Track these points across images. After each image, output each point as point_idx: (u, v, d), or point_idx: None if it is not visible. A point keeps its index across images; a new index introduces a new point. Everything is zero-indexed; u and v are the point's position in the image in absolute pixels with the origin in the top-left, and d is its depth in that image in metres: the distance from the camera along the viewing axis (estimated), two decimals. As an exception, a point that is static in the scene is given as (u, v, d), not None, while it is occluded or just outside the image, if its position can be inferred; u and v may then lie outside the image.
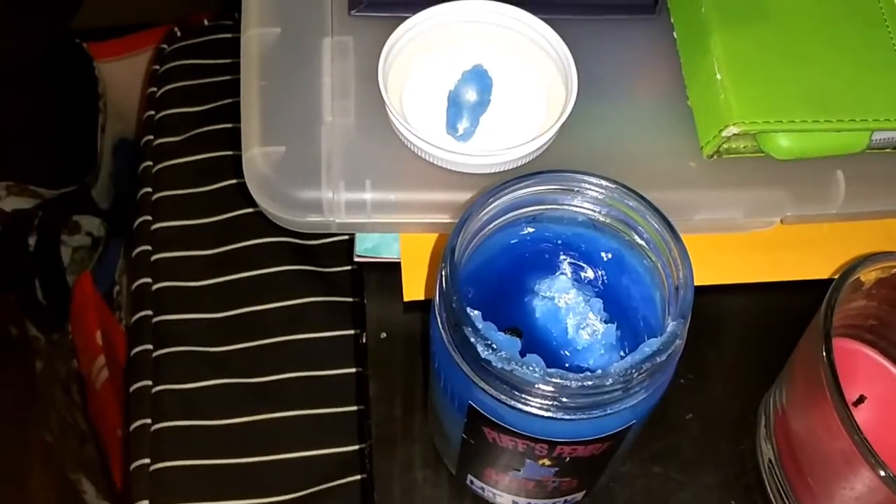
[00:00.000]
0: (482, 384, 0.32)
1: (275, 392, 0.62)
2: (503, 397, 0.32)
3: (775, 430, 0.42)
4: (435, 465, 0.44)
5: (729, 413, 0.46)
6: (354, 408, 0.62)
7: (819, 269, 0.48)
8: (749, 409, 0.46)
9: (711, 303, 0.46)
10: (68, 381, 0.93)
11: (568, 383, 0.30)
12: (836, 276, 0.38)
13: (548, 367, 0.30)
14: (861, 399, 0.43)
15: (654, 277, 0.36)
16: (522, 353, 0.31)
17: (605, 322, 0.36)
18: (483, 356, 0.30)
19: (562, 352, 0.35)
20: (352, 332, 0.65)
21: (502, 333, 0.32)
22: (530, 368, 0.30)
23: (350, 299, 0.66)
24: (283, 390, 0.62)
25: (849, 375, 0.41)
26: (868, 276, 0.39)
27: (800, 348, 0.41)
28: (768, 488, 0.44)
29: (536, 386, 0.30)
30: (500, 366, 0.30)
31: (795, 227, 0.48)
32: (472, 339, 0.31)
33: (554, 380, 0.30)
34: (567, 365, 0.35)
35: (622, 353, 0.35)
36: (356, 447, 0.61)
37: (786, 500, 0.42)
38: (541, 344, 0.35)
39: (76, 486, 0.89)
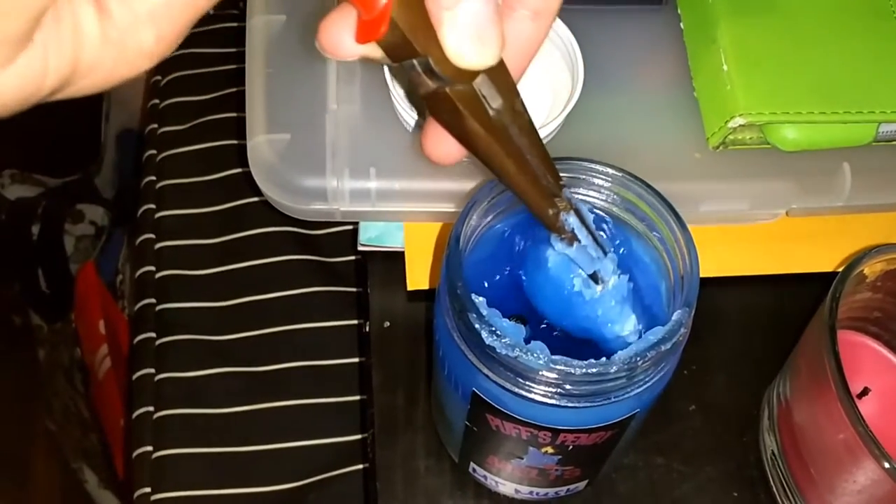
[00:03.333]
0: (486, 371, 0.32)
1: (278, 381, 0.62)
2: (507, 384, 0.32)
3: (779, 422, 0.42)
4: (437, 453, 0.44)
5: (732, 405, 0.46)
6: (357, 397, 0.62)
7: (824, 261, 0.48)
8: (752, 401, 0.46)
9: (716, 294, 0.46)
10: (71, 370, 0.93)
11: (572, 370, 0.30)
12: (841, 269, 0.38)
13: (555, 319, 0.29)
14: (865, 391, 0.42)
15: (659, 267, 0.36)
16: (527, 341, 0.31)
17: (619, 275, 0.34)
18: (487, 342, 0.30)
19: (571, 302, 0.34)
20: (355, 321, 0.64)
21: (507, 320, 0.32)
22: (535, 355, 0.30)
23: (354, 289, 0.66)
24: (286, 379, 0.62)
25: (853, 368, 0.41)
26: (873, 268, 0.39)
27: (804, 340, 0.41)
28: (771, 481, 0.43)
29: (540, 373, 0.30)
30: (504, 352, 0.30)
31: (801, 219, 0.48)
32: (477, 326, 0.31)
33: (558, 367, 0.30)
34: (576, 315, 0.34)
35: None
36: (359, 436, 0.61)
37: (788, 492, 0.42)
38: (550, 294, 0.34)
39: (78, 474, 0.89)
